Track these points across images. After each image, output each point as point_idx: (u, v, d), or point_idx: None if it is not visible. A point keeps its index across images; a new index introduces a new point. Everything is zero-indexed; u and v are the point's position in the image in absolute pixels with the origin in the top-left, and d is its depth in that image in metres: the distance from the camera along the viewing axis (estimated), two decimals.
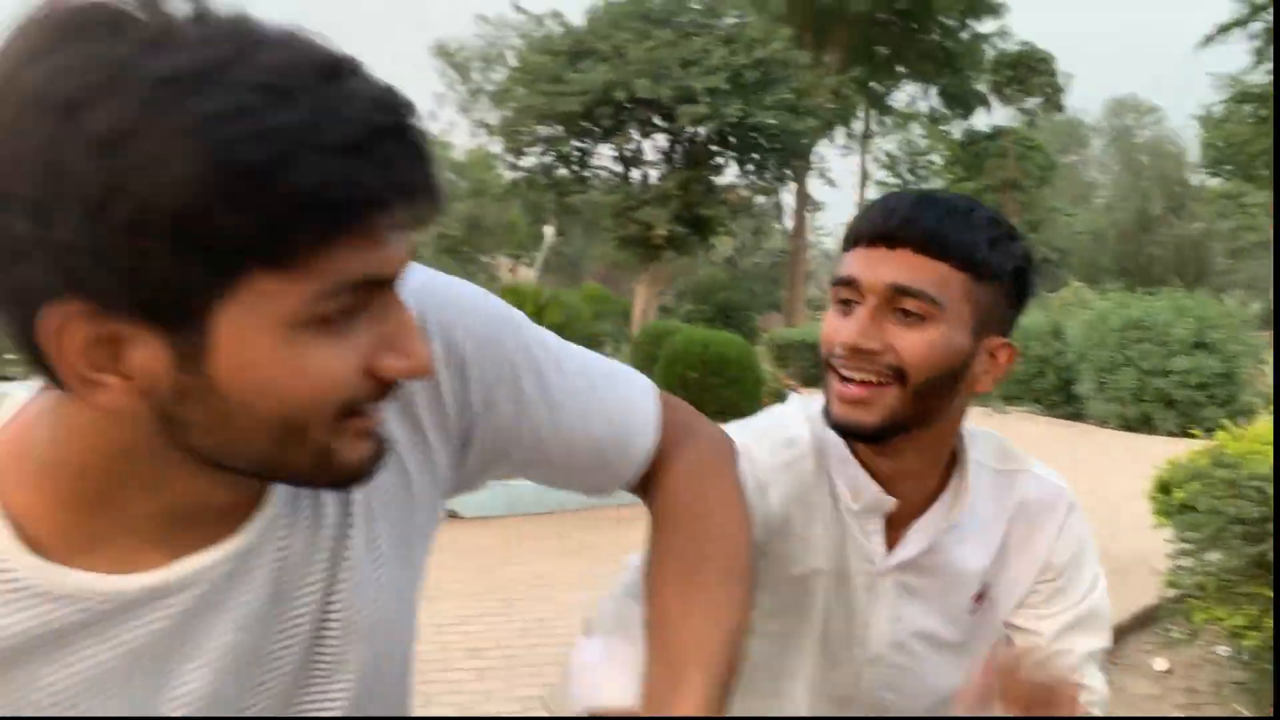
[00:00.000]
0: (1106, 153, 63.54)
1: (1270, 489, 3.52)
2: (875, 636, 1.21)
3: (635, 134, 21.45)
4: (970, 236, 1.07)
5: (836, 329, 1.10)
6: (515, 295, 8.11)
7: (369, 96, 0.59)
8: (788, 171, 22.41)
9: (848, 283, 1.08)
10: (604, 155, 22.57)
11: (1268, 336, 18.98)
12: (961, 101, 33.77)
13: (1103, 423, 13.46)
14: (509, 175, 23.06)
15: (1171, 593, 4.20)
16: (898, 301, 1.06)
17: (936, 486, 1.19)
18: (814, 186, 31.11)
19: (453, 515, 7.24)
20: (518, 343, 0.84)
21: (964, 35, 32.22)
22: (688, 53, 19.33)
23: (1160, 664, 4.86)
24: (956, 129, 35.38)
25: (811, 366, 17.71)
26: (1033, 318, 16.12)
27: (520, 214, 33.79)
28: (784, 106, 20.18)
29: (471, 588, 5.68)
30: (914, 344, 1.06)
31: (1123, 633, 5.19)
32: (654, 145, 21.95)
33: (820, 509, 1.19)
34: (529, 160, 22.46)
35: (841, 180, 31.00)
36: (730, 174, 22.24)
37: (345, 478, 0.69)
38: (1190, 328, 13.09)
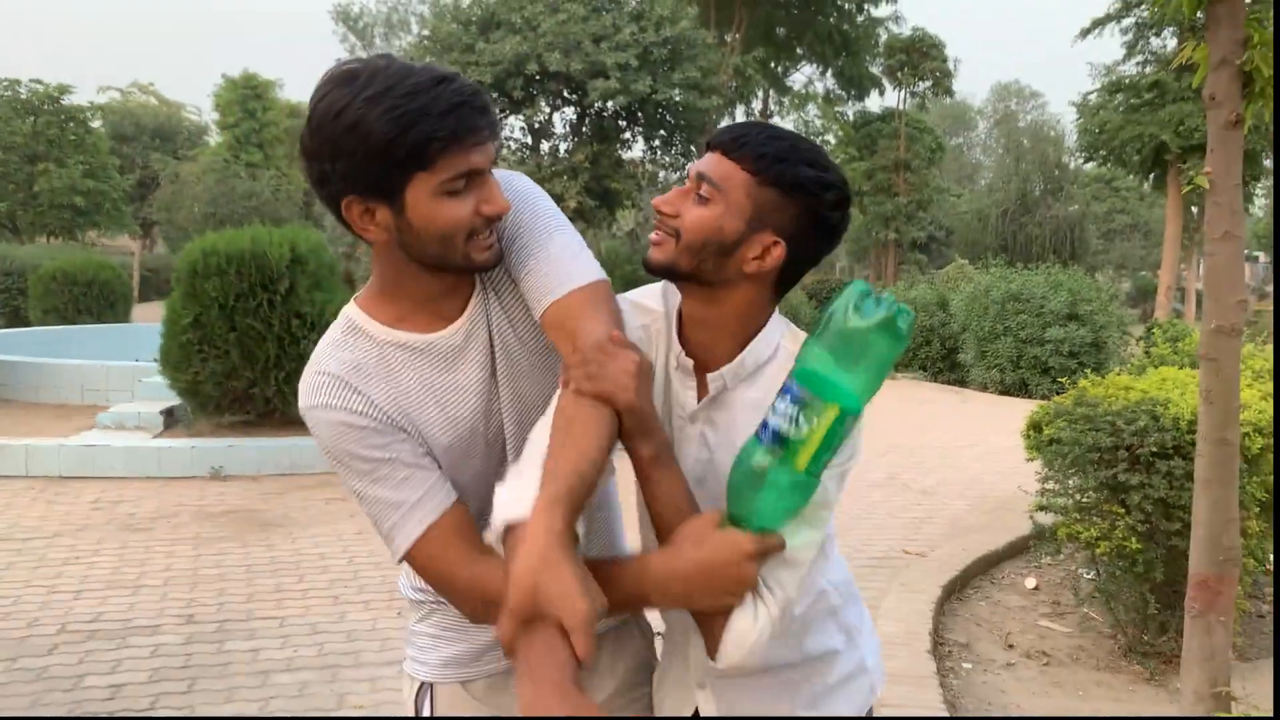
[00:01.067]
0: (991, 135, 66.01)
1: (1123, 423, 4.26)
2: (687, 471, 1.41)
3: (545, 106, 21.69)
4: (767, 150, 1.38)
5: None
6: None
7: (457, 88, 1.29)
8: (693, 148, 22.95)
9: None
10: (513, 126, 22.75)
11: (1135, 312, 20.42)
12: (856, 84, 34.85)
13: (983, 387, 14.45)
14: None
15: (1041, 515, 4.95)
16: (698, 186, 1.40)
17: (736, 353, 1.47)
18: None
19: None
20: (536, 209, 1.50)
21: (859, 19, 33.26)
22: (598, 28, 19.63)
23: (1030, 583, 5.67)
24: (851, 110, 36.55)
25: None
26: (920, 291, 17.11)
27: None
28: (690, 84, 20.71)
29: None
30: (694, 216, 1.40)
31: (1000, 559, 6.01)
32: (563, 118, 22.26)
33: (660, 365, 1.53)
34: None
35: None
36: (637, 149, 22.69)
37: (481, 267, 1.41)
38: (1064, 301, 14.14)
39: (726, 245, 1.39)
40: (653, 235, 1.45)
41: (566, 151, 21.93)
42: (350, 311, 1.48)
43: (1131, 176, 27.97)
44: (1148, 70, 20.35)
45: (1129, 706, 4.04)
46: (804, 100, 33.46)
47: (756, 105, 34.82)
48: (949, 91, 31.84)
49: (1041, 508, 4.94)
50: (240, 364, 7.40)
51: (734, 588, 1.27)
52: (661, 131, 22.11)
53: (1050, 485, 4.78)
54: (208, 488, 6.90)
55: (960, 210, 39.24)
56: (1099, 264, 42.01)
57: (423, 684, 1.63)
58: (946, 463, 8.84)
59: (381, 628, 4.45)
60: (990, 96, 67.64)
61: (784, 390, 1.27)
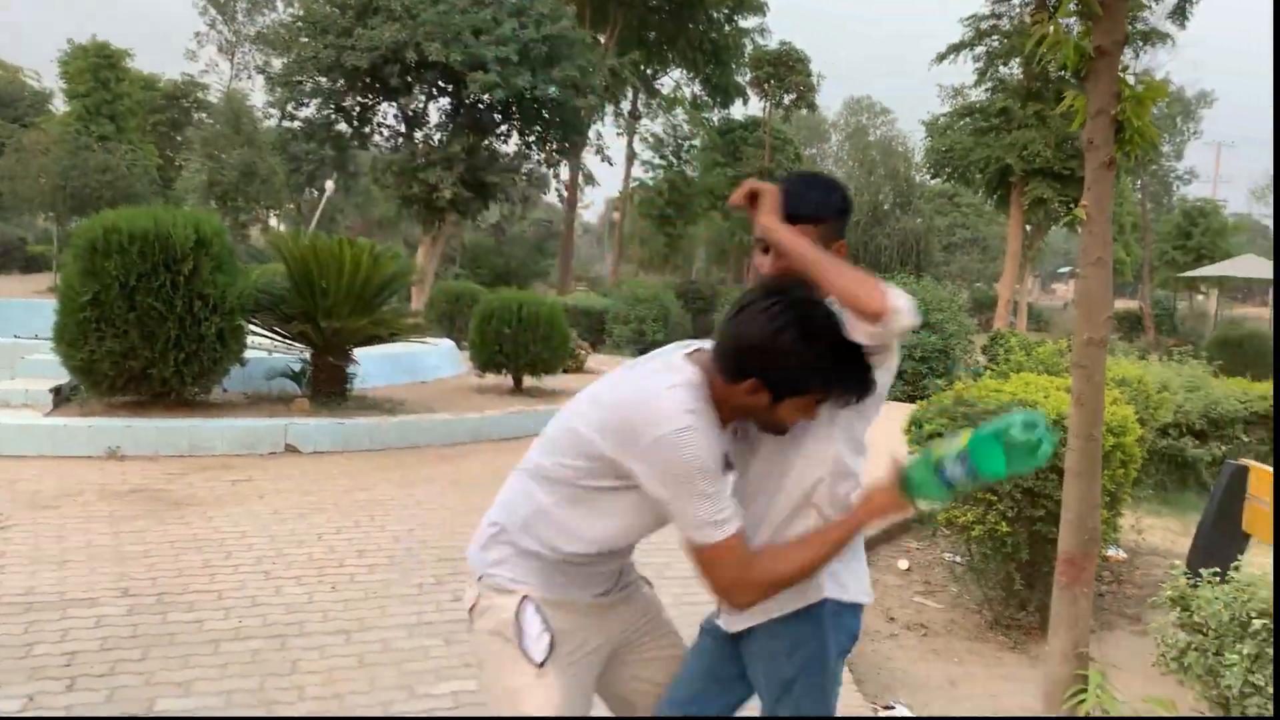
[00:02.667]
0: (843, 149, 68.51)
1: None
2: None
3: (421, 95, 21.53)
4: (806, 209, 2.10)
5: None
6: (352, 247, 8.57)
7: None
8: (568, 145, 23.22)
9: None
10: (386, 113, 22.50)
11: (972, 321, 21.81)
12: (722, 91, 35.83)
13: None
14: (285, 125, 22.39)
15: (921, 504, 5.50)
16: None
17: None
18: (590, 162, 32.16)
19: (292, 450, 7.76)
20: None
21: (727, 29, 34.17)
22: (479, 21, 19.65)
23: (903, 564, 6.27)
24: (716, 116, 37.49)
25: (586, 332, 18.82)
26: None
27: (282, 165, 32.81)
28: (568, 83, 20.98)
29: (339, 506, 6.32)
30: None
31: (876, 543, 6.59)
32: (438, 108, 22.12)
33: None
34: (307, 111, 21.97)
35: (615, 157, 32.23)
36: (512, 143, 22.77)
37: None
38: (918, 310, 15.08)
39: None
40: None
41: (441, 141, 21.83)
42: (690, 387, 2.00)
43: (975, 194, 29.69)
44: (995, 96, 21.81)
45: (998, 672, 4.61)
46: (672, 104, 34.16)
47: (626, 105, 35.39)
48: (812, 105, 33.12)
49: None
50: (139, 344, 7.32)
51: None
52: (538, 127, 22.27)
53: None
54: (107, 467, 6.84)
55: None
56: (941, 275, 44.30)
57: (524, 596, 2.08)
58: None
59: (319, 600, 4.64)
60: (843, 110, 70.24)
61: (962, 459, 1.94)
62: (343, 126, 22.56)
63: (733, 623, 2.21)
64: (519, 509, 2.14)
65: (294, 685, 3.73)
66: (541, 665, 2.05)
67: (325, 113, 22.21)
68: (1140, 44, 22.14)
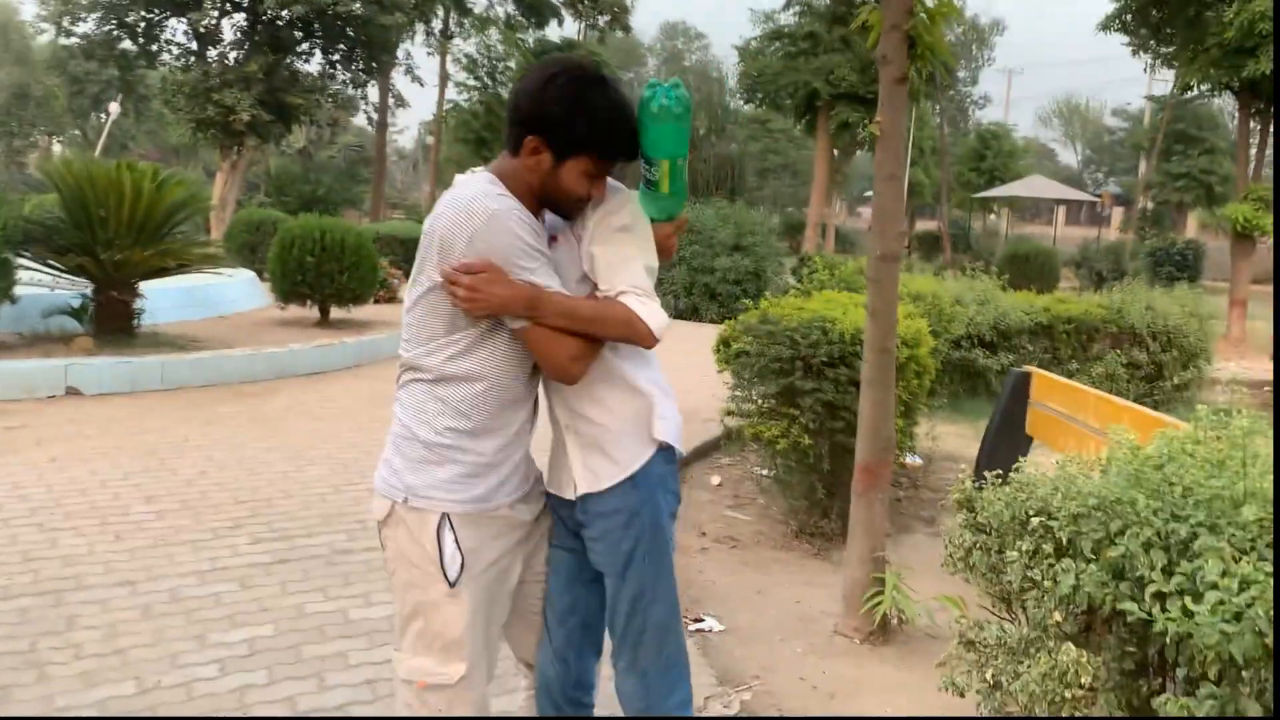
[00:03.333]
0: (659, 73, 68.53)
1: (799, 337, 4.92)
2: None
3: (213, 10, 20.03)
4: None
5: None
6: (133, 172, 7.91)
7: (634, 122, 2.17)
8: (375, 65, 22.17)
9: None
10: (175, 30, 20.84)
11: (784, 245, 22.39)
12: (536, 11, 34.98)
13: None
14: (62, 42, 20.46)
15: (731, 420, 5.61)
16: None
17: None
18: (401, 84, 30.88)
19: (74, 393, 7.23)
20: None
21: None
22: None
23: (715, 480, 6.40)
24: (530, 37, 36.64)
25: (402, 261, 18.16)
26: None
27: (62, 87, 30.11)
28: None
29: (125, 451, 5.91)
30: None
31: (689, 461, 6.69)
32: (233, 24, 20.66)
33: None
34: (85, 27, 20.11)
35: (428, 78, 31.09)
36: (315, 63, 21.57)
37: (568, 219, 2.23)
38: (731, 233, 15.35)
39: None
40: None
41: (237, 61, 20.43)
42: (489, 180, 2.12)
43: (786, 119, 30.28)
44: (803, 20, 22.13)
45: (801, 578, 4.77)
46: (485, 24, 33.08)
47: (437, 24, 34.08)
48: (626, 27, 32.78)
49: (730, 413, 5.62)
50: None
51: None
52: (342, 46, 21.14)
53: (738, 393, 5.44)
54: None
55: None
56: (754, 200, 45.21)
57: (443, 515, 2.13)
58: None
59: (100, 551, 4.33)
60: (659, 35, 70.14)
61: (644, 162, 2.17)
62: (128, 44, 20.78)
63: (565, 487, 2.31)
64: (415, 413, 2.17)
65: (69, 644, 3.46)
66: (453, 586, 2.13)
67: (107, 28, 20.39)
68: None
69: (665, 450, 2.31)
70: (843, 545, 5.29)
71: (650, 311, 2.18)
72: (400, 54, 24.31)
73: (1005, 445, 4.91)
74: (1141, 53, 17.33)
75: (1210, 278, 22.71)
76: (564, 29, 37.14)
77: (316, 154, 38.13)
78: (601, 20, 31.39)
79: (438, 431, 2.13)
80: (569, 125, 2.06)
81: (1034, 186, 31.81)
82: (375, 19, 20.42)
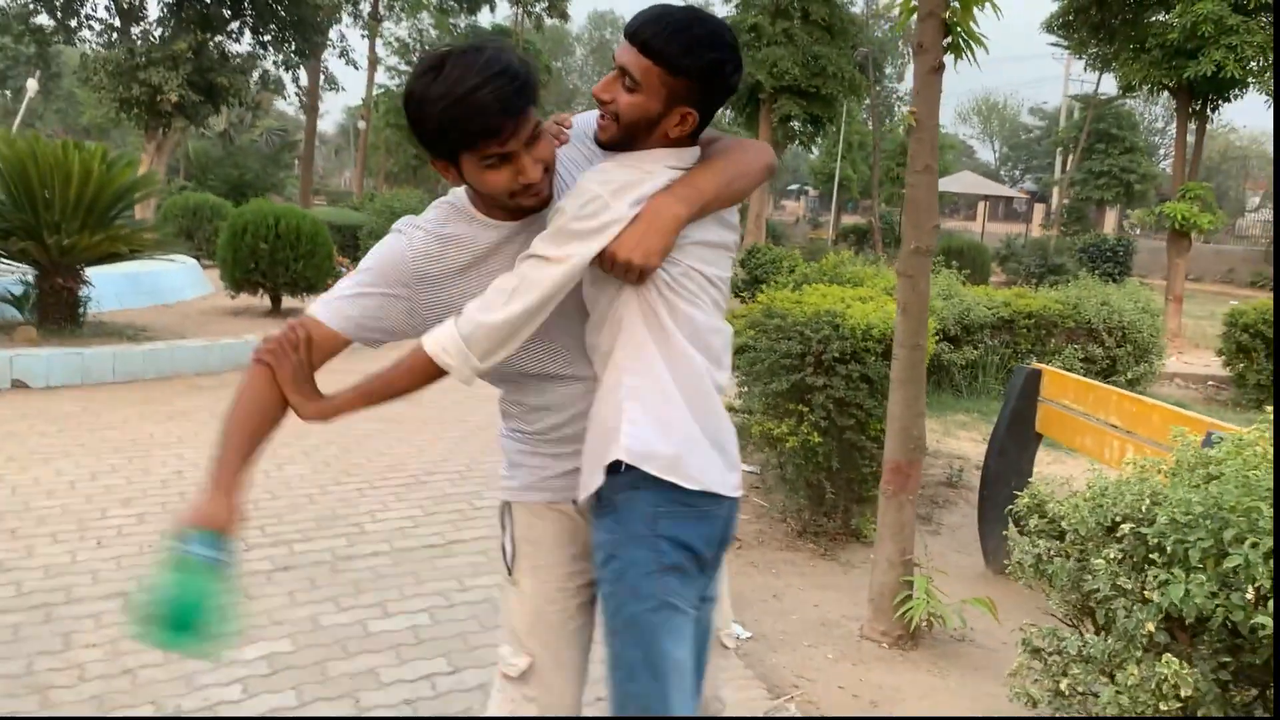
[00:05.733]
0: (588, 62, 68.24)
1: (810, 332, 4.82)
2: None
3: None
4: (673, 46, 1.75)
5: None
6: (80, 151, 7.44)
7: (498, 90, 1.69)
8: (306, 46, 21.48)
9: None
10: (96, 4, 19.92)
11: None
12: None
13: None
14: None
15: (734, 418, 5.48)
16: (623, 77, 1.79)
17: None
18: (333, 65, 30.03)
19: (20, 386, 6.82)
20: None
21: None
22: None
23: None
24: (463, 22, 36.04)
25: (340, 250, 17.67)
26: None
27: None
28: None
29: (88, 448, 5.56)
30: (625, 103, 1.78)
31: None
32: (159, 1, 19.77)
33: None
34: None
35: (363, 61, 30.29)
36: (245, 42, 20.81)
37: (528, 212, 1.84)
38: None
39: (652, 121, 1.81)
40: (599, 120, 1.85)
41: (163, 38, 19.60)
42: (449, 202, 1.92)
43: (727, 110, 30.31)
44: (746, 13, 22.09)
45: (815, 580, 4.67)
46: (416, 7, 32.46)
47: (365, 6, 33.31)
48: (564, 14, 32.42)
49: (730, 409, 5.49)
50: None
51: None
52: (273, 25, 20.43)
53: (745, 389, 5.32)
54: None
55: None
56: None
57: (503, 503, 2.08)
58: None
59: (84, 560, 4.03)
60: (587, 24, 69.72)
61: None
62: (44, 19, 19.79)
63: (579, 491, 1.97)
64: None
65: (70, 664, 3.19)
66: (510, 574, 2.07)
67: (23, 1, 19.38)
68: None
69: (654, 481, 1.79)
70: (848, 544, 5.22)
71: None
72: (335, 35, 23.57)
73: (1014, 443, 4.88)
74: (1079, 54, 17.69)
75: (1138, 274, 23.34)
76: (496, 15, 36.71)
77: (238, 137, 36.98)
78: (539, 7, 30.98)
79: (506, 420, 2.11)
80: (422, 132, 1.75)
81: (964, 182, 32.42)
82: None
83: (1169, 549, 2.47)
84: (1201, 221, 13.96)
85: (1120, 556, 2.61)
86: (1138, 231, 33.20)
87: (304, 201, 26.26)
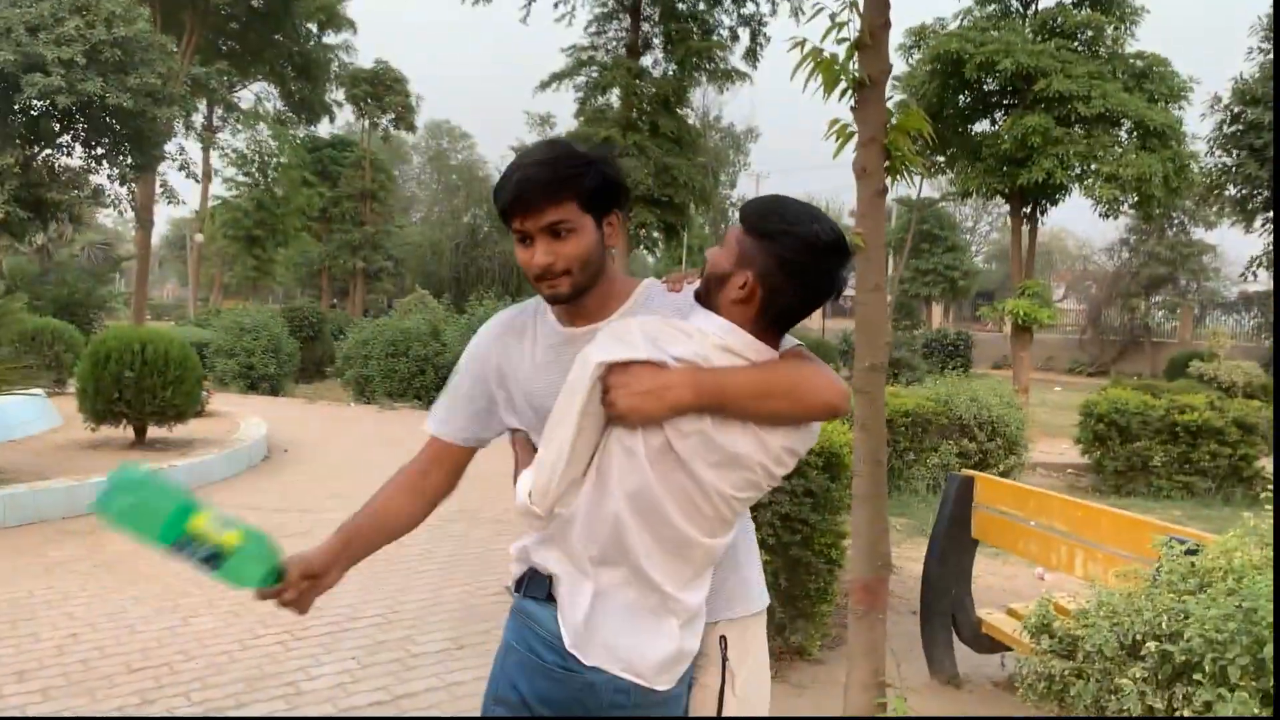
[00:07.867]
0: (425, 171, 68.24)
1: None
2: None
3: None
4: (755, 208, 1.79)
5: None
6: None
7: (523, 175, 1.78)
8: (143, 160, 20.63)
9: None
10: None
11: None
12: (308, 108, 34.08)
13: None
14: None
15: None
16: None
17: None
18: (172, 178, 29.00)
19: None
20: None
21: (311, 44, 32.57)
22: (34, 17, 16.92)
23: None
24: (300, 134, 35.57)
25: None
26: (415, 321, 17.17)
27: None
28: (147, 91, 18.68)
29: None
30: (710, 252, 1.80)
31: None
32: None
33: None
34: None
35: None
36: (78, 156, 19.84)
37: (550, 301, 1.89)
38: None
39: (718, 277, 1.77)
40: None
41: None
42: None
43: None
44: (598, 126, 22.66)
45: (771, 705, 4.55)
46: (253, 119, 31.83)
47: (199, 119, 32.48)
48: (411, 126, 32.45)
49: None
50: None
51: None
52: (106, 139, 19.58)
53: None
54: None
55: (410, 241, 40.13)
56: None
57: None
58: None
59: None
60: (424, 134, 69.92)
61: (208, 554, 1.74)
62: None
63: None
64: None
65: None
66: None
67: None
68: (722, 82, 24.18)
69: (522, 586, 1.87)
70: (795, 664, 5.15)
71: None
72: (173, 148, 22.77)
73: (953, 549, 4.96)
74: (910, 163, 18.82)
75: (978, 366, 24.67)
76: (335, 125, 36.40)
77: (56, 252, 34.98)
78: (385, 119, 30.91)
79: None
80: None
81: None
82: (146, 111, 19.06)
83: (1203, 665, 2.51)
84: (1041, 316, 14.94)
85: (1145, 675, 2.64)
86: (989, 326, 35.24)
87: (138, 319, 24.91)
